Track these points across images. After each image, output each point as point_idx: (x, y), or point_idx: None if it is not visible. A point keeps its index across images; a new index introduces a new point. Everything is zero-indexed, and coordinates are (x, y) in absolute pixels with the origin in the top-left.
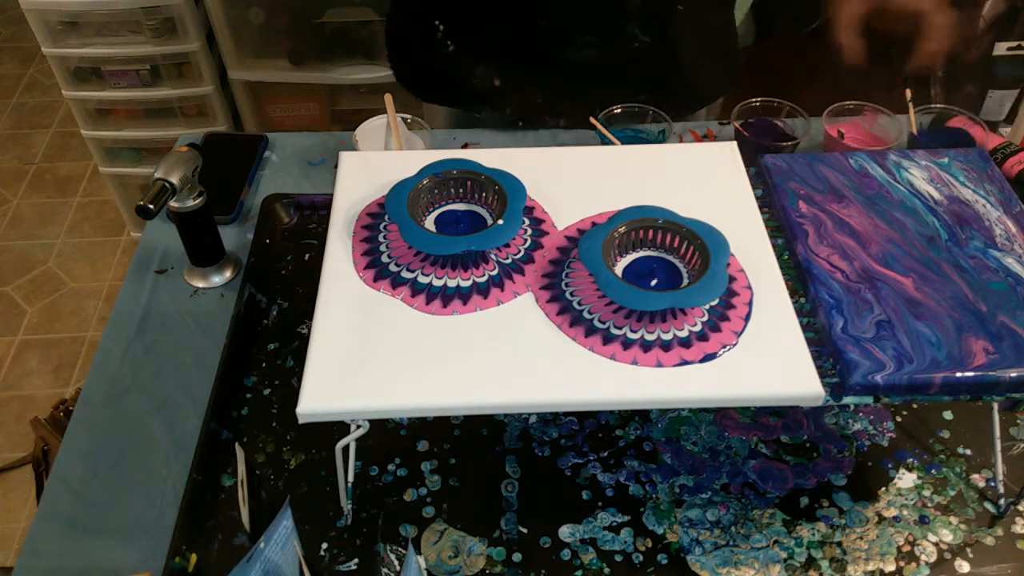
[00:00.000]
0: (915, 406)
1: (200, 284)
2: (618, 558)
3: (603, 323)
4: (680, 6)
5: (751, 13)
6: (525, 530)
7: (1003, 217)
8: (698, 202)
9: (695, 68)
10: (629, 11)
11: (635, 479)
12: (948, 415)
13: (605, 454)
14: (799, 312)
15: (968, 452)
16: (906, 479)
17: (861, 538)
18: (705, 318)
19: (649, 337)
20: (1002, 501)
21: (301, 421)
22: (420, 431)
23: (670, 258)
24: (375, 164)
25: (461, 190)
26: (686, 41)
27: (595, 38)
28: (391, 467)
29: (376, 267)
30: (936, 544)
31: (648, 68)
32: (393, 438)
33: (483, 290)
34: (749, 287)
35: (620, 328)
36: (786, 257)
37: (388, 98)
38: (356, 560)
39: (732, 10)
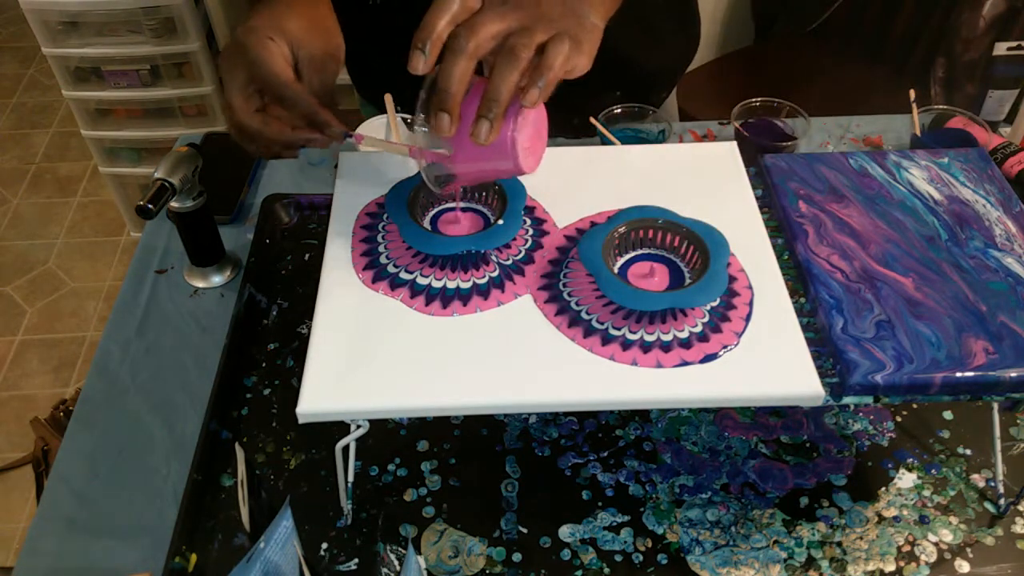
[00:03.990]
0: (915, 406)
1: (200, 284)
2: (618, 558)
3: (601, 323)
4: None
5: (751, 13)
6: (525, 530)
7: (1003, 217)
8: (698, 202)
9: (651, 46)
10: None
11: (635, 479)
12: (948, 415)
13: (605, 454)
14: (799, 312)
15: (968, 452)
16: (906, 479)
17: (861, 538)
18: (706, 319)
19: (649, 338)
20: (1002, 501)
21: (301, 421)
22: (420, 431)
23: (671, 257)
24: (375, 164)
25: (461, 190)
26: (641, 18)
27: None
28: (391, 467)
29: (375, 268)
30: (936, 544)
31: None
32: (393, 438)
33: (483, 291)
34: (750, 287)
35: (619, 328)
36: (786, 257)
37: (388, 98)
38: (356, 560)
39: None
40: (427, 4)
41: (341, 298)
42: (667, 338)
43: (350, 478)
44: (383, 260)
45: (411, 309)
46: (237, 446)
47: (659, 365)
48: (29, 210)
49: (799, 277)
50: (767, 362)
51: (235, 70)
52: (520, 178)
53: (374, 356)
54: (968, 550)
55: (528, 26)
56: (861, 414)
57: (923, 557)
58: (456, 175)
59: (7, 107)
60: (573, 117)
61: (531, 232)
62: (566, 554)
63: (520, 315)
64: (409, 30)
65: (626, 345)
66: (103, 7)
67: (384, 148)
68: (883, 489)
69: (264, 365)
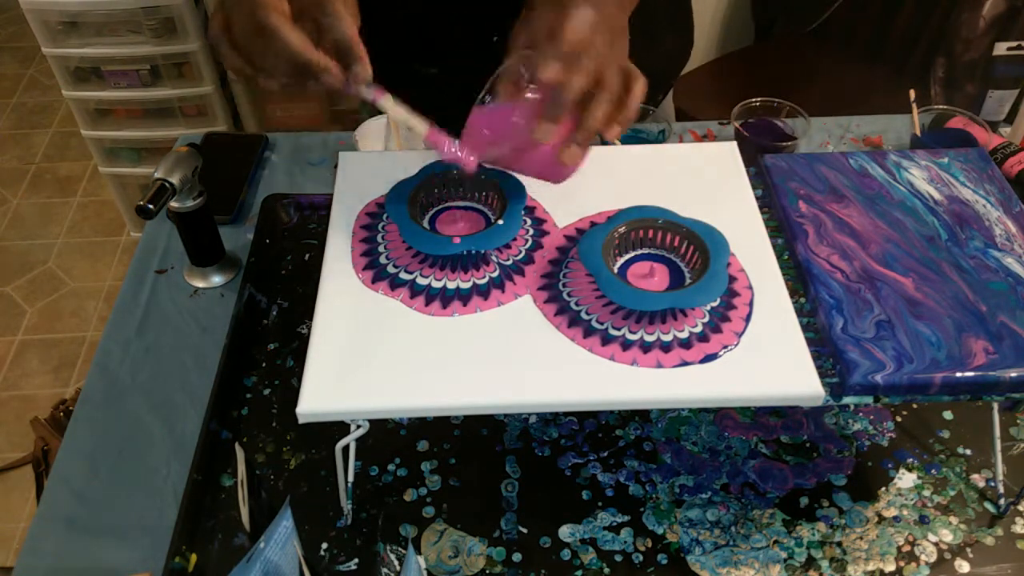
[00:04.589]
0: (915, 406)
1: (200, 284)
2: (618, 558)
3: (601, 323)
4: None
5: (751, 13)
6: (525, 530)
7: (1003, 217)
8: (698, 202)
9: (646, 48)
10: None
11: (635, 479)
12: (948, 415)
13: (605, 454)
14: (799, 312)
15: (968, 452)
16: (906, 479)
17: (861, 538)
18: (706, 319)
19: (649, 338)
20: (1002, 501)
21: (301, 421)
22: (420, 431)
23: (671, 257)
24: (375, 164)
25: (461, 190)
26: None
27: None
28: (391, 467)
29: (375, 268)
30: (936, 544)
31: None
32: (393, 438)
33: (483, 291)
34: (750, 287)
35: (619, 329)
36: (786, 257)
37: (388, 98)
38: (356, 560)
39: None
40: (425, 4)
41: (341, 298)
42: (667, 338)
43: (350, 478)
44: (383, 260)
45: (411, 309)
46: (237, 446)
47: (659, 365)
48: (29, 210)
49: (799, 277)
50: (767, 362)
51: None
52: (520, 178)
53: (374, 356)
54: (968, 550)
55: (609, 55)
56: (861, 414)
57: (923, 557)
58: (499, 161)
59: (7, 107)
60: None
61: (531, 232)
62: (566, 554)
63: (520, 315)
64: (409, 30)
65: (626, 345)
66: (103, 7)
67: (403, 120)
68: (883, 489)
69: (264, 365)
